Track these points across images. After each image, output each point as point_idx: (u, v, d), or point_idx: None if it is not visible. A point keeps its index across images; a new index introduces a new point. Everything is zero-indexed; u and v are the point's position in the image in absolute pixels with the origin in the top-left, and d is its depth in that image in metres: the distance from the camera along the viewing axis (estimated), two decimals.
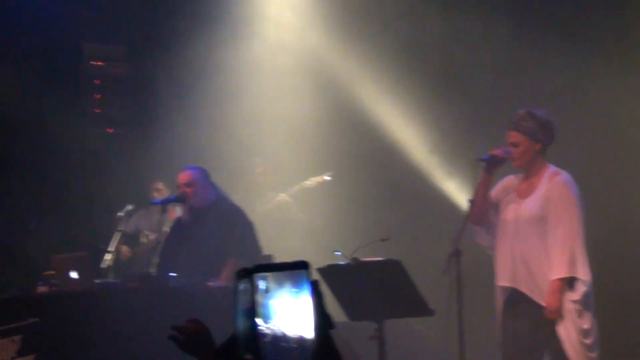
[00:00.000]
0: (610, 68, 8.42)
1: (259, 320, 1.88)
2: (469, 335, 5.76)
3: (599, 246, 6.19)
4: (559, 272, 5.61)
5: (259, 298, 1.88)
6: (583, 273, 5.62)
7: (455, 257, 5.65)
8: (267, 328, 1.88)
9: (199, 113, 9.96)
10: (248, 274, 1.86)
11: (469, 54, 9.24)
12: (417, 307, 5.47)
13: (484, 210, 5.92)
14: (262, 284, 1.86)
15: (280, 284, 1.88)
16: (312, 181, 9.43)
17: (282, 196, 9.45)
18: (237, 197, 8.80)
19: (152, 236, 8.79)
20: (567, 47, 8.68)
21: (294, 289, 1.88)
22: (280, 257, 8.45)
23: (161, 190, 9.06)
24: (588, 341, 5.60)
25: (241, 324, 1.91)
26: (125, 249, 9.12)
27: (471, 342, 5.94)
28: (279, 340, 1.88)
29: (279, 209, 9.31)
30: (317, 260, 6.00)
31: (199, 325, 2.49)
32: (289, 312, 1.88)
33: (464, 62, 9.30)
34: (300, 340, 1.89)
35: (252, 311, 1.85)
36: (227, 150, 9.72)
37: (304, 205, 9.62)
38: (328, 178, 9.40)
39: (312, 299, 1.88)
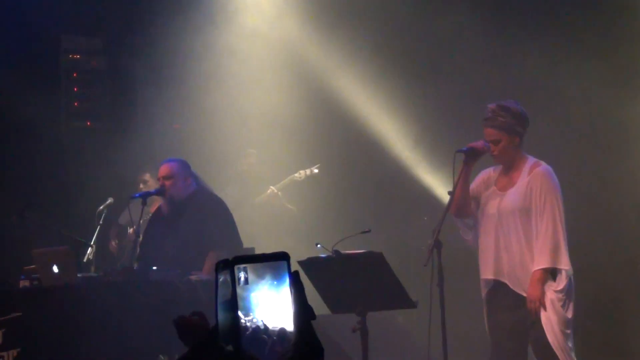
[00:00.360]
0: (584, 56, 8.47)
1: (240, 313, 1.88)
2: (451, 326, 5.79)
3: (577, 237, 6.24)
4: (541, 262, 5.63)
5: (240, 290, 1.88)
6: (565, 263, 5.64)
7: (436, 248, 5.66)
8: (248, 320, 1.88)
9: (179, 104, 9.95)
10: (228, 265, 1.86)
11: (450, 46, 9.27)
12: (399, 299, 5.49)
13: (463, 202, 5.94)
14: (242, 276, 1.86)
15: (260, 275, 1.88)
16: (301, 174, 9.44)
17: (272, 189, 9.46)
18: (230, 189, 8.84)
19: (131, 230, 8.80)
20: (544, 37, 8.74)
21: (274, 281, 1.88)
22: (261, 250, 8.47)
23: (148, 182, 9.05)
24: (569, 330, 5.65)
25: (222, 316, 1.91)
26: (113, 243, 9.12)
27: (453, 333, 5.98)
28: (260, 333, 1.89)
29: (268, 202, 9.32)
30: (298, 253, 6.03)
31: (202, 321, 2.49)
32: (270, 304, 1.88)
33: (444, 54, 9.33)
34: (281, 332, 1.89)
35: (233, 303, 1.86)
36: (208, 141, 9.71)
37: (289, 197, 9.63)
38: (316, 171, 9.42)
39: (292, 290, 1.88)
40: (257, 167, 9.64)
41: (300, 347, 1.86)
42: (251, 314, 1.88)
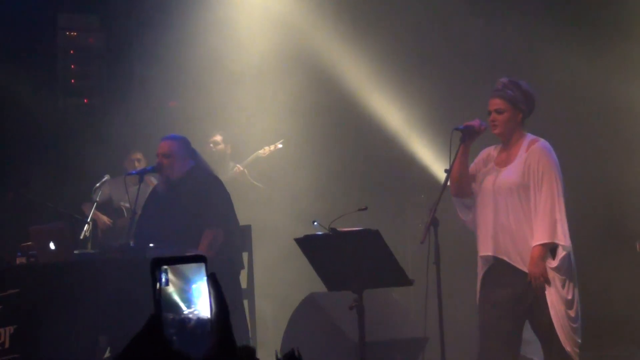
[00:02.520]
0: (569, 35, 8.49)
1: (182, 305, 1.88)
2: (448, 304, 5.80)
3: (574, 215, 6.24)
4: (540, 237, 5.58)
5: (182, 284, 1.89)
6: (564, 239, 5.60)
7: (433, 226, 5.66)
8: (190, 313, 1.89)
9: (176, 82, 9.94)
10: (154, 265, 1.87)
11: (449, 25, 9.26)
12: (396, 276, 5.50)
13: (462, 181, 5.92)
14: (163, 277, 1.87)
15: (180, 276, 1.89)
16: (265, 150, 9.44)
17: (237, 167, 9.45)
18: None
19: (126, 206, 8.79)
20: (532, 20, 8.76)
21: (194, 283, 1.89)
22: (259, 228, 8.48)
23: (140, 161, 9.04)
24: (572, 312, 5.59)
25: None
26: (105, 218, 9.10)
27: (450, 311, 6.00)
28: (203, 325, 1.90)
29: (235, 180, 9.28)
30: (296, 231, 6.04)
31: None
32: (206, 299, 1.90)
33: (443, 33, 9.32)
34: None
35: (158, 302, 1.87)
36: (204, 120, 9.70)
37: (283, 174, 9.62)
38: (280, 146, 9.41)
39: (211, 293, 1.90)
40: (222, 146, 9.58)
41: (222, 346, 1.87)
42: (193, 306, 1.88)
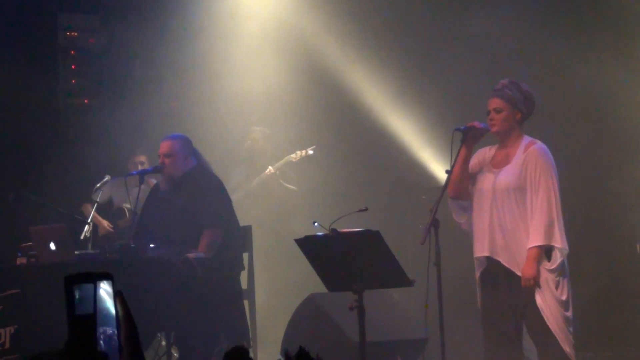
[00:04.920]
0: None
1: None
2: (448, 304, 5.80)
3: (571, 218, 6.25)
4: (536, 239, 5.60)
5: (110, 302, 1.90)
6: (561, 241, 5.63)
7: (434, 227, 5.66)
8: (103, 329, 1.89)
9: (177, 82, 9.94)
10: (66, 283, 1.87)
11: (452, 24, 9.26)
12: (397, 277, 5.50)
13: (462, 182, 5.93)
14: (77, 294, 1.87)
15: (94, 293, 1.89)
16: (297, 154, 9.44)
17: (270, 169, 9.45)
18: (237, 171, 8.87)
19: (127, 207, 8.79)
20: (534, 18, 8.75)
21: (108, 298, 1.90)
22: (261, 229, 8.49)
23: (144, 163, 9.02)
24: (568, 313, 5.62)
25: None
26: (105, 223, 9.10)
27: (450, 311, 6.00)
28: (113, 342, 1.89)
29: (267, 182, 9.33)
30: (297, 231, 6.04)
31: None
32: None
33: (445, 32, 9.32)
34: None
35: (72, 322, 1.86)
36: (205, 119, 9.70)
37: (286, 177, 9.63)
38: (311, 152, 9.42)
39: (118, 311, 1.89)
40: (262, 143, 9.60)
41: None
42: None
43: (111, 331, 1.82)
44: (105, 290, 1.83)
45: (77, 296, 1.82)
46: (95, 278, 1.84)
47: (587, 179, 8.34)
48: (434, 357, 6.26)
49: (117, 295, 1.86)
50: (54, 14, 10.11)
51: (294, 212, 9.17)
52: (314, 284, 6.46)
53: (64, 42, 10.16)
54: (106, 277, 1.85)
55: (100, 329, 1.82)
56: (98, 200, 8.56)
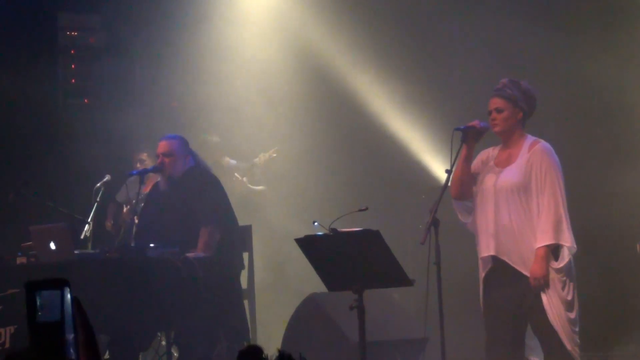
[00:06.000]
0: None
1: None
2: (448, 304, 5.80)
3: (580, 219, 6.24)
4: (544, 239, 5.59)
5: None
6: (569, 240, 5.61)
7: (433, 226, 5.65)
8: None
9: (177, 82, 9.93)
10: (27, 290, 1.85)
11: (445, 29, 9.25)
12: (396, 277, 5.49)
13: (463, 182, 5.92)
14: (38, 300, 1.85)
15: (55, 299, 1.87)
16: (260, 158, 9.46)
17: (237, 177, 9.46)
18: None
19: (125, 209, 8.80)
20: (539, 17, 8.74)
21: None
22: (261, 228, 8.49)
23: (145, 161, 9.02)
24: (572, 314, 5.61)
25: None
26: (109, 223, 9.11)
27: (450, 311, 5.99)
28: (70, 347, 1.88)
29: (233, 189, 9.31)
30: (297, 231, 6.04)
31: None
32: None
33: (444, 31, 9.31)
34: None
35: (33, 328, 1.84)
36: (206, 119, 9.70)
37: (284, 174, 9.63)
38: (274, 155, 9.44)
39: (76, 316, 1.88)
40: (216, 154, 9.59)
41: None
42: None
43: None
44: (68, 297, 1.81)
45: (38, 302, 1.79)
46: (60, 285, 1.81)
47: (587, 178, 8.33)
48: (434, 357, 6.25)
49: (74, 301, 1.84)
50: (54, 13, 10.10)
51: (291, 212, 9.14)
52: (314, 284, 6.46)
53: (64, 42, 10.16)
54: (65, 283, 1.83)
55: (70, 337, 1.80)
56: (98, 199, 8.55)
